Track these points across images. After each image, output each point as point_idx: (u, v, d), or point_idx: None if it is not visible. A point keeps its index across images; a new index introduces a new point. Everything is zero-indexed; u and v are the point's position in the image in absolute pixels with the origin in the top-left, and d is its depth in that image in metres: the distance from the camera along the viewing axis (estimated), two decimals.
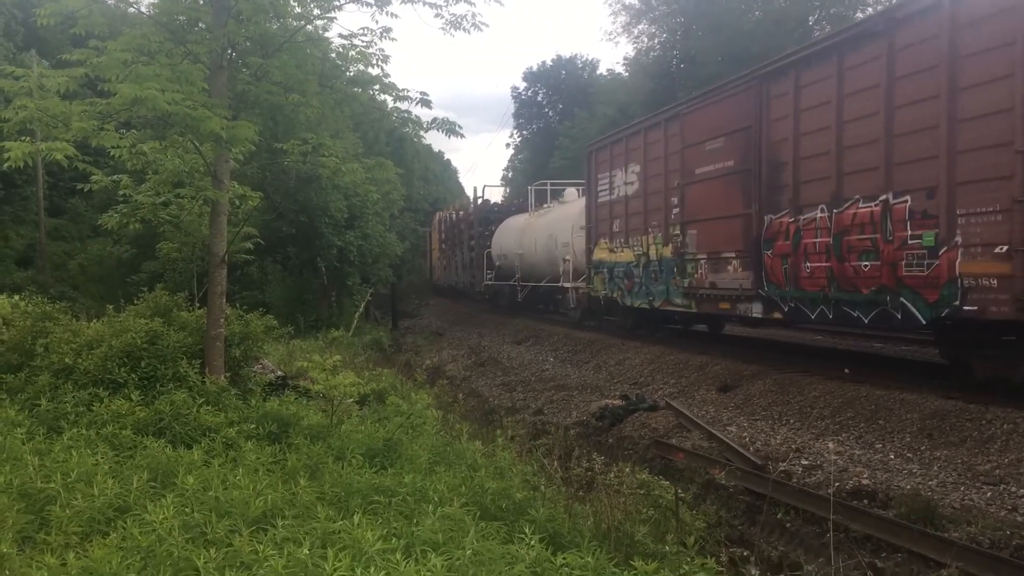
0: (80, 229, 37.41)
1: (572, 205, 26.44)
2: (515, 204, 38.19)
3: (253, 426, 7.74)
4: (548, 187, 32.95)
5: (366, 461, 6.85)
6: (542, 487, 6.82)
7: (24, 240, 36.17)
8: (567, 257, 24.66)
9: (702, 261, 15.59)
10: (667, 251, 17.07)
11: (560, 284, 25.71)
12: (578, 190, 27.36)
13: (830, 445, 9.90)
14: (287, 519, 4.95)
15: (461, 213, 43.42)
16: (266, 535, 4.66)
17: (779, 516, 8.16)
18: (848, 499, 8.00)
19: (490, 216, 36.95)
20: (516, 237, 31.13)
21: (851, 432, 10.43)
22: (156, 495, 5.42)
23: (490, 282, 34.65)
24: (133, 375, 8.79)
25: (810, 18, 37.32)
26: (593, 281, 21.71)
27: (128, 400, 7.91)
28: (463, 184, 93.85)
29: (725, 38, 35.90)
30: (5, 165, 8.99)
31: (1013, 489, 7.91)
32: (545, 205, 30.70)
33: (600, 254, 21.06)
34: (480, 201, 40.69)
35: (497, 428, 10.45)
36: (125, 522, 4.80)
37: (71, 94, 9.06)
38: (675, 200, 16.65)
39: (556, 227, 26.50)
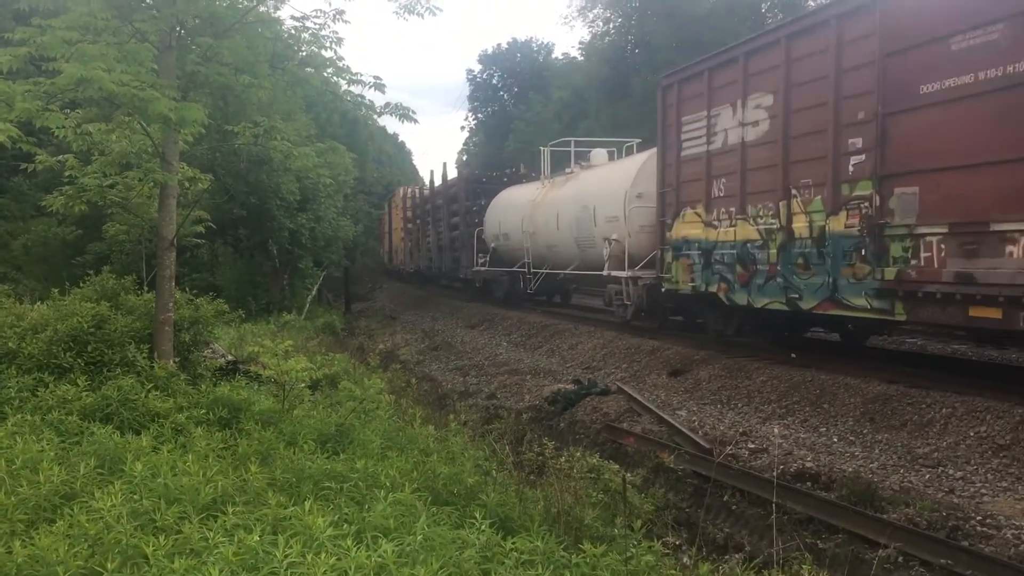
0: (23, 208, 36.42)
1: (618, 167, 20.23)
2: (507, 174, 32.43)
3: (203, 412, 7.67)
4: (572, 148, 25.04)
5: (318, 447, 6.84)
6: (494, 472, 6.89)
7: None
8: (614, 237, 18.35)
9: (934, 239, 9.82)
10: (838, 223, 11.40)
11: (603, 272, 18.75)
12: (611, 152, 22.86)
13: (776, 429, 10.12)
14: (237, 506, 4.94)
15: (437, 187, 36.96)
16: (216, 522, 4.64)
17: (725, 499, 8.33)
18: (792, 482, 8.19)
19: (478, 189, 31.00)
20: (522, 213, 25.00)
21: (796, 416, 10.66)
22: (104, 482, 5.36)
23: (482, 268, 28.54)
24: (79, 360, 8.65)
25: (763, 6, 37.67)
26: (672, 269, 15.67)
27: (74, 385, 7.79)
28: (417, 166, 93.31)
29: (679, 24, 36.15)
30: None
31: (950, 471, 8.17)
32: (567, 170, 23.91)
33: (686, 230, 15.29)
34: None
35: (450, 413, 10.50)
36: (72, 509, 4.75)
37: (14, 72, 8.84)
38: (860, 141, 11.01)
39: (593, 197, 20.09)
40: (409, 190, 44.18)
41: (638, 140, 21.90)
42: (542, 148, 25.51)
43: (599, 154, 22.75)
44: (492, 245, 27.91)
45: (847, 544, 6.96)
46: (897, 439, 9.20)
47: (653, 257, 16.87)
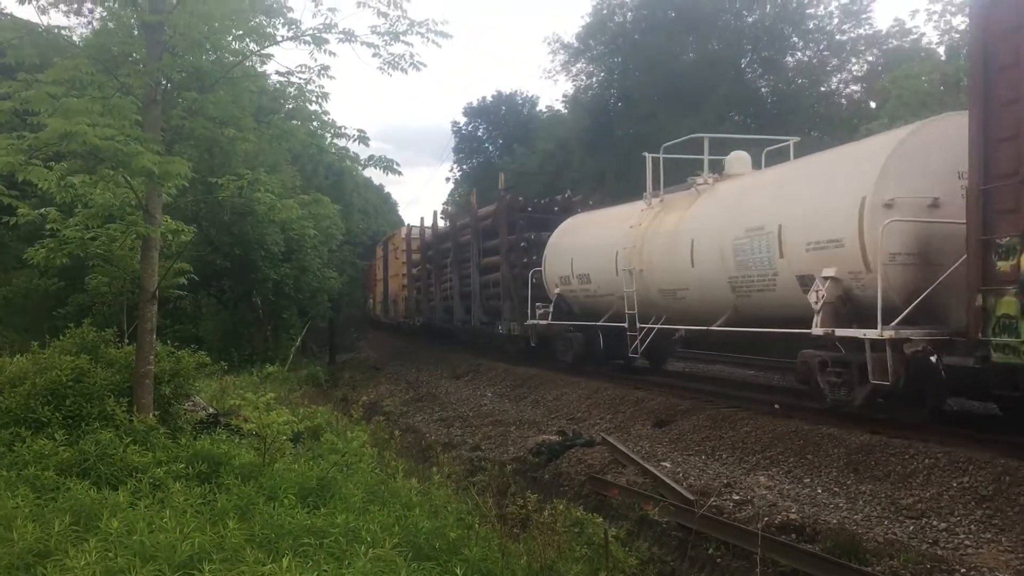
0: (4, 260, 36.20)
1: (826, 163, 13.13)
2: (559, 201, 25.80)
3: (182, 466, 7.60)
4: (706, 150, 16.61)
5: (299, 501, 6.77)
6: (476, 525, 6.82)
7: None
8: (831, 273, 11.58)
9: None
10: None
11: (812, 331, 11.83)
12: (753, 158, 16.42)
13: (761, 479, 10.08)
14: (214, 563, 4.88)
15: (461, 223, 30.35)
16: None
17: (710, 551, 8.26)
18: (776, 533, 8.13)
19: (523, 220, 24.82)
20: (614, 245, 18.06)
21: (781, 466, 10.62)
22: (79, 539, 5.28)
23: (541, 322, 21.59)
24: (57, 414, 8.58)
25: (742, 60, 38.37)
26: (1014, 326, 8.91)
27: (52, 440, 7.71)
28: (403, 217, 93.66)
29: (660, 77, 36.70)
30: None
31: (934, 523, 8.14)
32: (699, 181, 16.07)
33: None
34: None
35: (433, 465, 10.41)
36: (45, 568, 4.68)
37: None
38: None
39: (772, 213, 13.08)
40: (414, 229, 38.19)
41: (795, 139, 16.29)
42: (647, 155, 17.75)
43: (740, 159, 16.22)
44: (557, 291, 21.04)
45: None
46: (881, 490, 9.17)
47: (923, 305, 10.46)
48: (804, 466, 10.43)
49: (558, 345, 21.55)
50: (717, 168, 16.37)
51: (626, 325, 17.28)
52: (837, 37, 36.10)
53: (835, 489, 9.56)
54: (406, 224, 42.72)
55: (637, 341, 17.08)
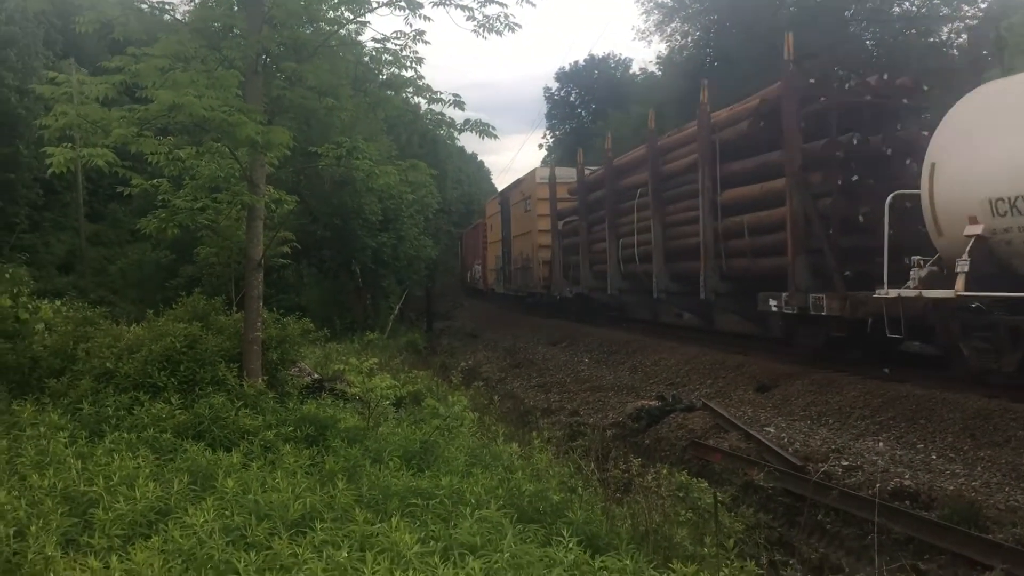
0: (119, 234, 37.90)
1: None
2: (869, 86, 14.89)
3: (291, 429, 7.80)
4: None
5: (403, 463, 6.86)
6: (579, 489, 6.79)
7: (65, 246, 36.72)
8: None
9: None
10: None
11: None
12: None
13: (875, 445, 9.77)
14: (326, 522, 4.97)
15: (662, 144, 20.46)
16: (305, 538, 4.68)
17: (819, 518, 8.06)
18: (890, 500, 7.88)
19: (824, 112, 14.50)
20: None
21: (892, 432, 10.27)
22: (196, 498, 5.46)
23: (937, 292, 10.88)
24: (173, 379, 8.89)
25: (846, 12, 36.83)
26: None
27: (168, 404, 8.01)
28: (496, 185, 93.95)
29: (759, 35, 35.52)
30: (48, 172, 9.14)
31: None
32: None
33: None
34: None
35: (533, 430, 10.44)
36: (166, 525, 4.85)
37: (110, 100, 9.18)
38: None
39: None
40: (559, 171, 29.44)
41: None
42: None
43: None
44: (975, 232, 10.51)
45: (951, 565, 6.65)
46: (1001, 456, 8.77)
47: None
48: (916, 431, 10.07)
49: (975, 343, 11.08)
50: None
51: None
52: None
53: (951, 455, 9.19)
54: (538, 168, 31.95)
55: None
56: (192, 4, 10.47)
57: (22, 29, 31.90)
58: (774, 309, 14.79)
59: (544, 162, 74.37)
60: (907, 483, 8.32)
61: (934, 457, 9.23)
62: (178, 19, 9.81)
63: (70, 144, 9.68)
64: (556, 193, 28.95)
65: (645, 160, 21.25)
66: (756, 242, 15.78)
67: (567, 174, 28.69)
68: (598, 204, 24.89)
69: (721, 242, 16.91)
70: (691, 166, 18.16)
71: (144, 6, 9.56)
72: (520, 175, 35.62)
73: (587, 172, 26.30)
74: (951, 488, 8.09)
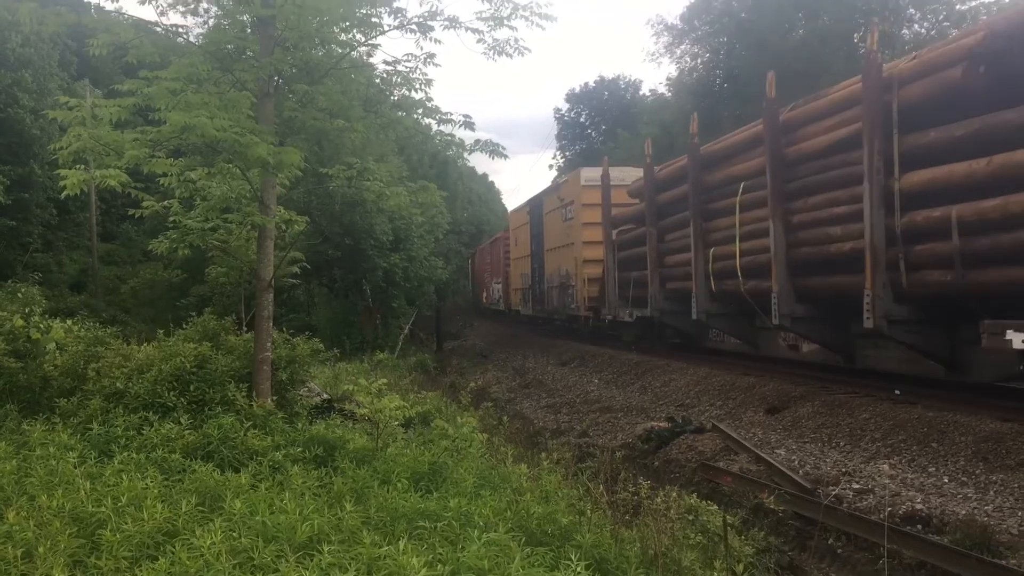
0: (131, 254, 38.18)
1: None
2: None
3: (299, 450, 7.79)
4: None
5: (411, 485, 6.84)
6: (588, 511, 6.76)
7: (77, 265, 36.99)
8: None
9: None
10: None
11: None
12: None
13: (882, 468, 9.70)
14: (333, 544, 4.95)
15: (791, 119, 14.87)
16: (312, 560, 4.66)
17: (830, 542, 8.00)
18: (901, 524, 7.81)
19: None
20: None
21: (903, 455, 10.20)
22: (204, 519, 5.45)
23: None
24: (182, 399, 8.90)
25: (855, 35, 36.93)
26: None
27: (177, 424, 8.01)
28: (506, 206, 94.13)
29: (768, 56, 35.63)
30: (63, 194, 9.23)
31: None
32: None
33: None
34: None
35: (542, 451, 10.41)
36: (174, 547, 4.84)
37: (122, 122, 9.27)
38: None
39: None
40: (613, 172, 24.00)
41: None
42: None
43: None
44: None
45: None
46: (1014, 480, 8.69)
47: None
48: (928, 454, 9.99)
49: None
50: None
51: None
52: (957, 7, 34.37)
53: (963, 479, 9.11)
54: (584, 168, 27.06)
55: None
56: (205, 27, 10.61)
57: (37, 51, 32.34)
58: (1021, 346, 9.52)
59: (553, 181, 74.03)
60: (919, 507, 8.25)
61: (946, 480, 9.16)
62: (191, 41, 9.91)
63: (83, 166, 9.77)
64: (611, 197, 23.39)
65: (757, 141, 15.75)
66: (972, 245, 10.51)
67: (623, 175, 24.23)
68: (674, 206, 19.42)
69: (900, 247, 11.74)
70: (845, 141, 13.08)
71: (158, 29, 9.67)
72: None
73: (656, 169, 20.59)
74: (963, 512, 8.01)
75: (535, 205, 32.45)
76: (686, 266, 18.15)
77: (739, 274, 15.78)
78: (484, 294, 46.65)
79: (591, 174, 25.53)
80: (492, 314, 43.62)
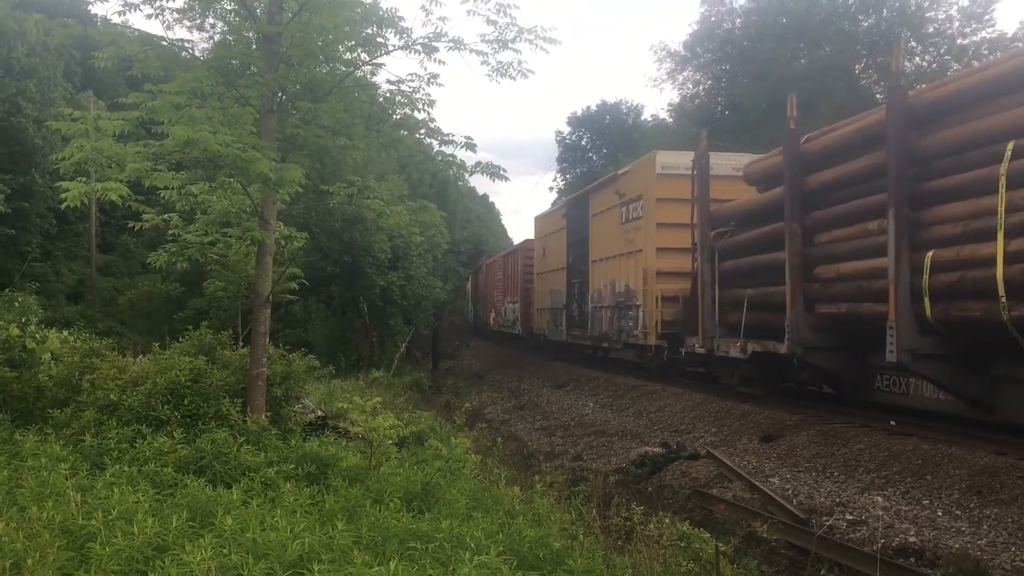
0: (130, 265, 38.15)
1: None
2: None
3: (292, 466, 7.77)
4: None
5: (404, 505, 6.82)
6: (580, 536, 6.74)
7: (75, 275, 36.97)
8: None
9: None
10: None
11: None
12: None
13: (876, 500, 9.67)
14: (323, 563, 4.94)
15: None
16: None
17: (823, 573, 7.97)
18: (894, 557, 7.78)
19: None
20: None
21: (897, 487, 10.17)
22: (195, 535, 5.42)
23: None
24: (176, 413, 8.88)
25: (856, 66, 37.20)
26: None
27: (170, 438, 7.99)
28: (506, 227, 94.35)
29: (770, 85, 35.89)
30: (64, 206, 9.24)
31: None
32: None
33: None
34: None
35: (536, 474, 10.38)
36: (163, 562, 4.82)
37: (125, 135, 9.31)
38: None
39: None
40: (717, 158, 18.71)
41: None
42: None
43: None
44: None
45: None
46: (1007, 514, 8.66)
47: None
48: (922, 487, 9.96)
49: None
50: None
51: None
52: (959, 41, 34.65)
53: (956, 512, 9.08)
54: (660, 152, 21.47)
55: None
56: (211, 42, 10.67)
57: (43, 61, 32.49)
58: None
59: (553, 204, 73.40)
60: (912, 539, 8.22)
61: (940, 514, 9.13)
62: (196, 56, 9.96)
63: (84, 179, 9.79)
64: (708, 189, 17.45)
65: None
66: None
67: (726, 162, 19.12)
68: (839, 191, 13.44)
69: None
70: None
71: (164, 43, 9.72)
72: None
73: (803, 139, 14.51)
74: (956, 546, 7.98)
75: (574, 205, 27.50)
76: (866, 279, 12.32)
77: (1000, 291, 9.78)
78: (491, 315, 41.48)
79: (672, 159, 20.31)
80: (494, 336, 39.99)
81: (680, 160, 19.65)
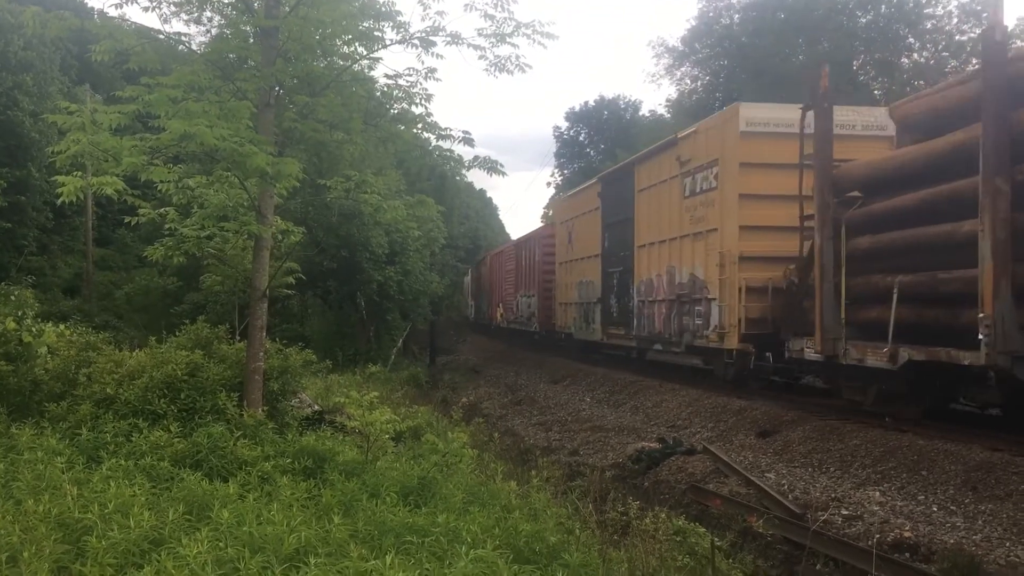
0: (126, 259, 38.12)
1: None
2: None
3: (289, 461, 7.77)
4: None
5: (400, 499, 6.82)
6: (577, 531, 6.74)
7: (72, 269, 36.93)
8: None
9: None
10: None
11: None
12: None
13: (871, 495, 9.70)
14: (320, 557, 4.94)
15: None
16: (298, 573, 4.65)
17: (818, 567, 7.99)
18: (890, 552, 7.81)
19: None
20: None
21: (893, 482, 10.20)
22: (191, 528, 5.43)
23: None
24: (173, 406, 8.86)
25: (854, 63, 37.19)
26: None
27: (167, 431, 7.99)
28: (503, 222, 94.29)
29: (768, 82, 35.88)
30: (59, 200, 9.21)
31: None
32: None
33: None
34: None
35: (532, 468, 10.39)
36: (159, 555, 4.82)
37: (122, 128, 9.28)
38: None
39: None
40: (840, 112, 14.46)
41: None
42: None
43: None
44: None
45: None
46: (1002, 510, 8.69)
47: None
48: (918, 482, 9.99)
49: None
50: None
51: None
52: (957, 37, 34.65)
53: (951, 507, 9.11)
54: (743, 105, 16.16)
55: None
56: (208, 35, 10.64)
57: (39, 54, 32.39)
58: None
59: (550, 199, 72.73)
60: (907, 534, 8.24)
61: (935, 509, 9.16)
62: (193, 50, 9.94)
63: (80, 172, 9.76)
64: (831, 144, 13.37)
65: None
66: None
67: (852, 118, 15.53)
68: None
69: None
70: None
71: (161, 36, 9.69)
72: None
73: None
74: (951, 541, 8.01)
75: (613, 180, 23.26)
76: None
77: None
78: (497, 310, 37.97)
79: (760, 113, 15.93)
80: (500, 333, 36.59)
81: (771, 114, 15.76)
